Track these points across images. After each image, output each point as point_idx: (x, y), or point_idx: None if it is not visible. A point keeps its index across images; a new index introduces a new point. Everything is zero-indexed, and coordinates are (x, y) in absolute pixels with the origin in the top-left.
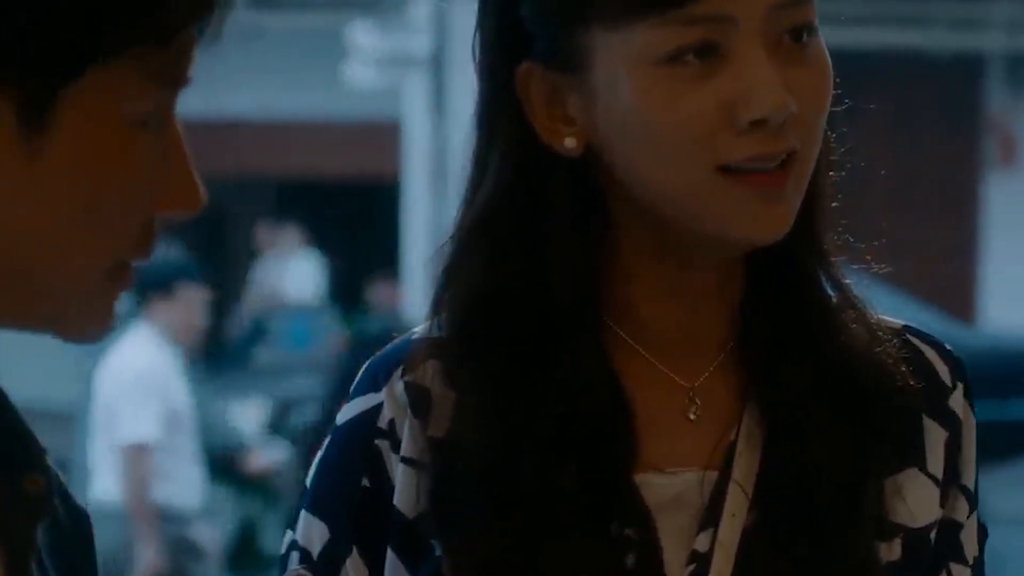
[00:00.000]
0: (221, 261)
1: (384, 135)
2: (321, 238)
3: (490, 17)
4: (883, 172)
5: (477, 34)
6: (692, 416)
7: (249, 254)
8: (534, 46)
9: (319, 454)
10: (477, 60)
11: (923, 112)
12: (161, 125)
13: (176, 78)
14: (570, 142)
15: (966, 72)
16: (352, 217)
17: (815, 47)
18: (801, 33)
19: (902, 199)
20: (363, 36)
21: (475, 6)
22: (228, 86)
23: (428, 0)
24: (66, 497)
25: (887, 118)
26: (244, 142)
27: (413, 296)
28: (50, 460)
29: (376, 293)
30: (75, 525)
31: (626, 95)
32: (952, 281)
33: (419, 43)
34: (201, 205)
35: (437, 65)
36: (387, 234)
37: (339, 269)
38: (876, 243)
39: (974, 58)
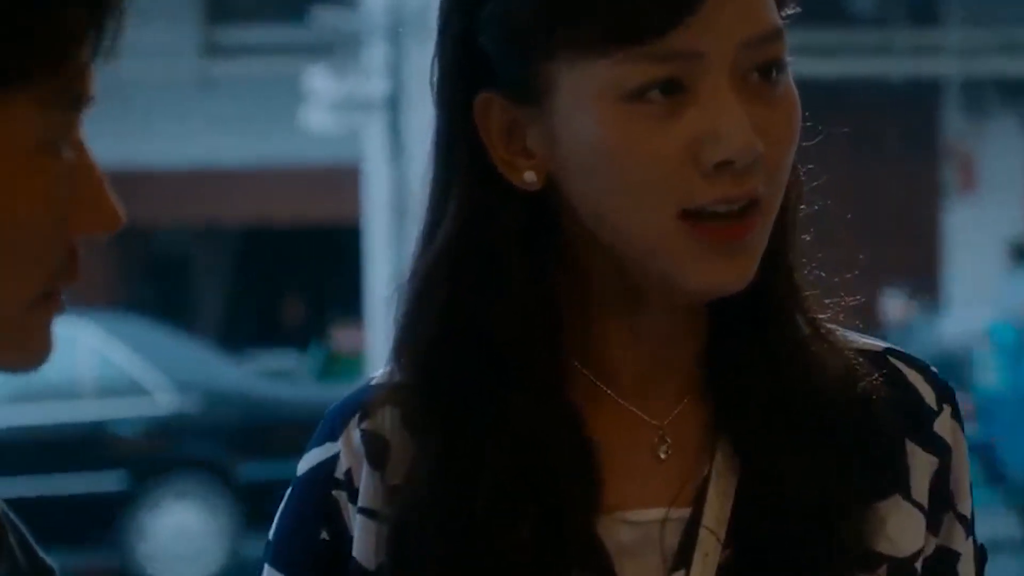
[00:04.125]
0: (188, 309)
1: (344, 179)
2: (286, 283)
3: (448, 46)
4: (843, 200)
5: (435, 64)
6: (662, 455)
7: (215, 302)
8: (494, 76)
9: (281, 507)
10: (434, 91)
11: (882, 139)
12: (69, 147)
13: (77, 99)
14: (529, 176)
15: (923, 99)
16: (315, 261)
17: (784, 85)
18: (770, 70)
19: (863, 227)
20: (319, 81)
21: (430, 48)
22: (187, 136)
23: (383, 43)
24: (29, 551)
25: (847, 147)
26: (205, 190)
27: (376, 339)
28: (3, 511)
29: (340, 337)
30: None
31: (588, 131)
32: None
33: (375, 86)
34: (120, 223)
35: (394, 107)
36: (350, 277)
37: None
38: (844, 275)
39: (930, 85)
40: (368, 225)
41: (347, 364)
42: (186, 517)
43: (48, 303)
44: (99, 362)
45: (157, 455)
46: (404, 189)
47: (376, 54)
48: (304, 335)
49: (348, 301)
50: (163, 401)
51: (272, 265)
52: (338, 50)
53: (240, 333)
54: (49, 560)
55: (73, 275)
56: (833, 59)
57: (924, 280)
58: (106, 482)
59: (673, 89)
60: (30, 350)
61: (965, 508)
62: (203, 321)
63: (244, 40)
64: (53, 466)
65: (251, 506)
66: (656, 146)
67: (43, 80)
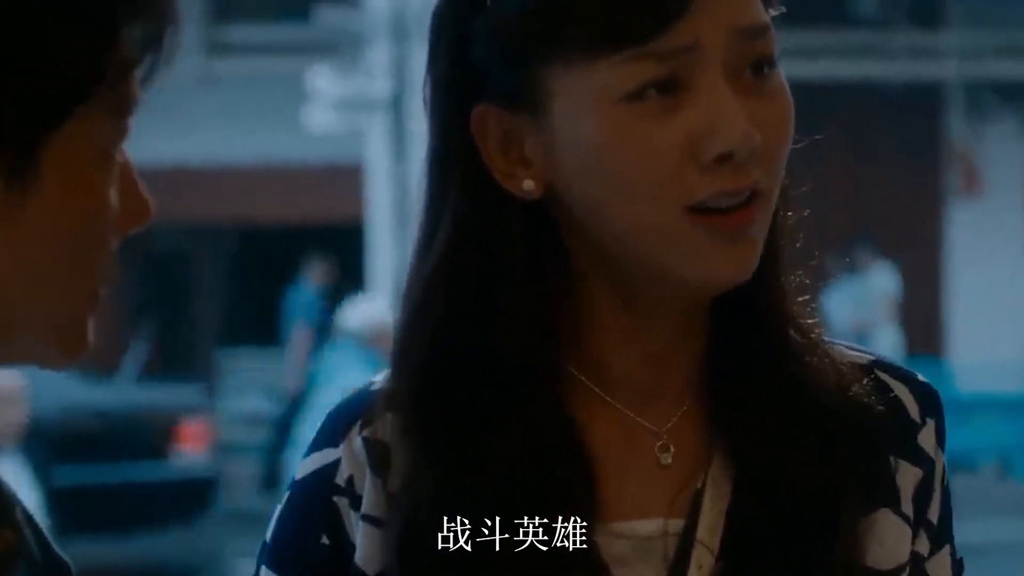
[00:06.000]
0: (186, 306)
1: (346, 179)
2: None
3: (441, 60)
4: (845, 204)
5: (427, 78)
6: (665, 462)
7: (213, 300)
8: (488, 88)
9: (278, 508)
10: (428, 105)
11: (884, 143)
12: (119, 151)
13: (131, 105)
14: (528, 185)
15: (926, 102)
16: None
17: (775, 80)
18: (761, 66)
19: (865, 231)
20: (323, 80)
21: None
22: (190, 133)
23: (386, 43)
24: (47, 548)
25: (848, 151)
26: (207, 189)
27: None
28: (23, 512)
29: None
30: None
31: (588, 135)
32: (918, 312)
33: (379, 86)
34: (152, 214)
35: (397, 108)
36: (351, 277)
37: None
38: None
39: (933, 88)
40: (370, 225)
41: None
42: None
43: (94, 302)
44: None
45: None
46: (407, 189)
47: (380, 54)
48: None
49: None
50: None
51: (274, 264)
52: (342, 49)
53: (239, 332)
54: (65, 556)
55: (114, 275)
56: (834, 61)
57: (927, 285)
58: None
59: (669, 88)
60: (78, 347)
61: (933, 515)
62: (202, 320)
63: (248, 38)
64: None
65: (67, 510)
66: (655, 144)
67: (106, 96)
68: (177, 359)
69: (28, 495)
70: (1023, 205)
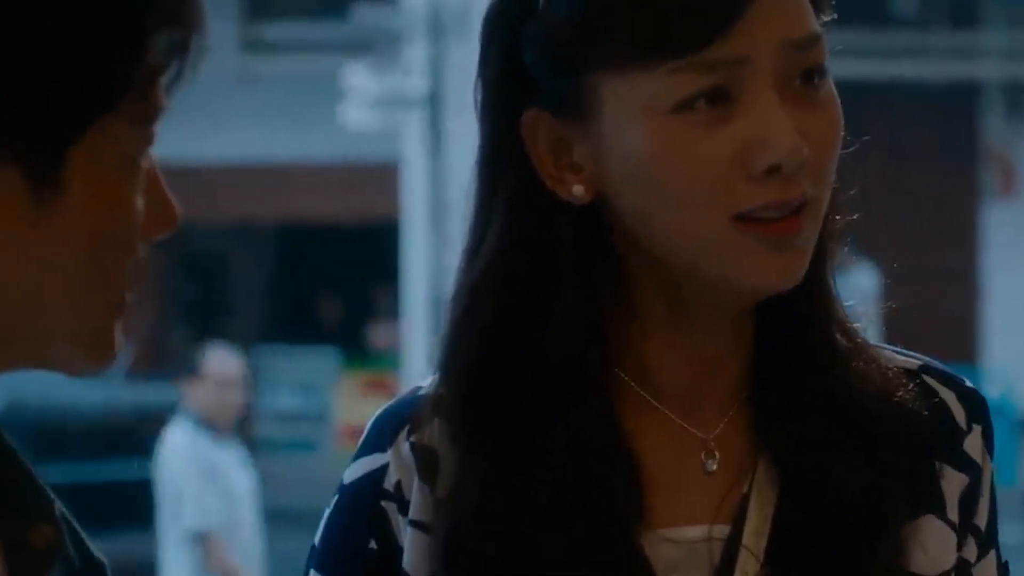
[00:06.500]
0: (223, 305)
1: (382, 176)
2: (324, 280)
3: (492, 65)
4: (882, 203)
5: (478, 82)
6: (711, 468)
7: (250, 298)
8: (538, 93)
9: (327, 512)
10: (478, 108)
11: (921, 143)
12: (145, 157)
13: (157, 113)
14: (578, 190)
15: (963, 102)
16: (353, 258)
17: (825, 90)
18: (812, 76)
19: (900, 231)
20: (359, 78)
21: (469, 46)
22: (227, 132)
23: (423, 41)
24: (82, 547)
25: (885, 151)
26: (244, 187)
27: (414, 337)
28: (60, 510)
29: (377, 335)
30: (90, 575)
31: (637, 143)
32: (952, 313)
33: (415, 84)
34: (179, 221)
35: (434, 105)
36: (388, 275)
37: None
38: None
39: (971, 88)
40: (406, 222)
41: (381, 360)
42: None
43: (120, 308)
44: None
45: None
46: (443, 187)
47: (416, 51)
48: (341, 332)
49: (387, 298)
50: None
51: (310, 262)
52: (378, 47)
53: (278, 330)
54: (100, 555)
55: (140, 281)
56: (873, 61)
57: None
58: None
59: (719, 98)
60: (105, 354)
61: (981, 521)
62: (241, 318)
63: (284, 36)
64: None
65: None
66: (704, 154)
67: (132, 104)
68: None
69: (244, 479)
70: None
